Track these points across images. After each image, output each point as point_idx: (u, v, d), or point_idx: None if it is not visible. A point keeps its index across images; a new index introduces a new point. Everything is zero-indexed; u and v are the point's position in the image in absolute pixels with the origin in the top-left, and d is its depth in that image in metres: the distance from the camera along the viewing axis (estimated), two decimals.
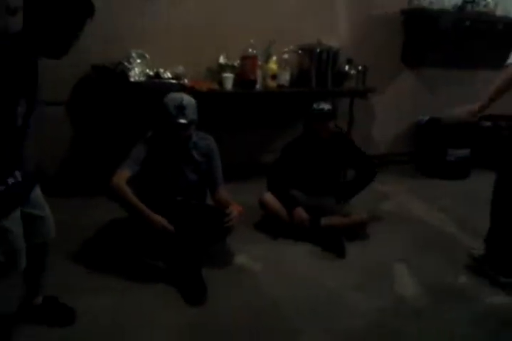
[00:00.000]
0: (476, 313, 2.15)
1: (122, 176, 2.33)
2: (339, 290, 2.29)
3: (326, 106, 2.84)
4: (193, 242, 2.34)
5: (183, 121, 2.32)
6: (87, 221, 2.83)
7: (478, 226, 2.61)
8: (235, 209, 2.40)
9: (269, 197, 2.86)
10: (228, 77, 3.38)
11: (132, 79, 3.07)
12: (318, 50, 3.62)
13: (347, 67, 3.76)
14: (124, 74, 3.06)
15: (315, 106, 2.85)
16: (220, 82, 3.41)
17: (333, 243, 2.72)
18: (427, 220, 3.21)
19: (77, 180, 3.39)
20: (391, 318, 2.09)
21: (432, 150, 4.28)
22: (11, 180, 1.56)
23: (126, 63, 3.09)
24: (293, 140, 3.06)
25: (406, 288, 2.35)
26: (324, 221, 2.80)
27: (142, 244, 2.45)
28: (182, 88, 3.11)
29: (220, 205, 2.50)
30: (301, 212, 2.79)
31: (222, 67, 3.47)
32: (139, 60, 3.15)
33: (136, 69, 3.12)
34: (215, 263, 2.45)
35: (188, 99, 2.38)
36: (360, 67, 3.78)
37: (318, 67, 3.64)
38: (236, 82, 3.42)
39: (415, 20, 4.08)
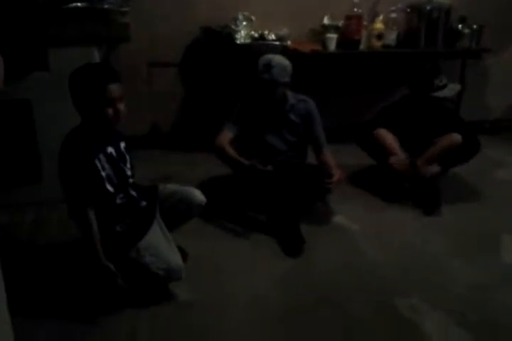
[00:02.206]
0: None
1: (225, 137, 2.47)
2: (441, 256, 2.23)
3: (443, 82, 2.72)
4: (293, 197, 2.40)
5: (266, 77, 2.35)
6: (192, 175, 3.01)
7: None
8: (336, 174, 2.41)
9: (383, 131, 2.78)
10: (331, 37, 3.33)
11: (238, 42, 3.15)
12: (428, 8, 3.41)
13: (460, 26, 3.52)
14: (231, 36, 3.15)
15: (437, 82, 2.71)
16: (324, 43, 3.37)
17: (428, 199, 2.67)
18: None
19: (187, 136, 3.60)
20: (493, 287, 2.01)
21: None
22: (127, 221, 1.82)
23: (232, 26, 3.17)
24: (393, 102, 2.98)
25: None
26: (420, 160, 2.68)
27: (246, 198, 2.58)
28: (285, 50, 3.14)
29: (324, 166, 2.52)
30: (398, 157, 2.70)
31: (326, 28, 3.42)
32: (245, 23, 3.21)
33: (242, 31, 3.19)
34: (314, 221, 2.51)
35: (278, 60, 2.40)
36: (474, 26, 3.51)
37: (427, 26, 3.44)
38: (339, 43, 3.36)
39: None
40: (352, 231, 2.45)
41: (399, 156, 2.71)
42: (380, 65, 3.66)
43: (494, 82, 4.00)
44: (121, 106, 1.75)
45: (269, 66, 2.35)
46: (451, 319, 1.81)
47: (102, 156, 1.78)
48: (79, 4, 2.50)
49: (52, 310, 1.82)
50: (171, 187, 2.03)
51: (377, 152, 2.81)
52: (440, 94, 2.74)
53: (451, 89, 2.80)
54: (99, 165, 1.76)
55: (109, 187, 1.79)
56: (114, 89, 1.72)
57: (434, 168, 2.69)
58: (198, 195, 1.99)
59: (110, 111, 1.72)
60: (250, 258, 2.19)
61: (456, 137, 2.68)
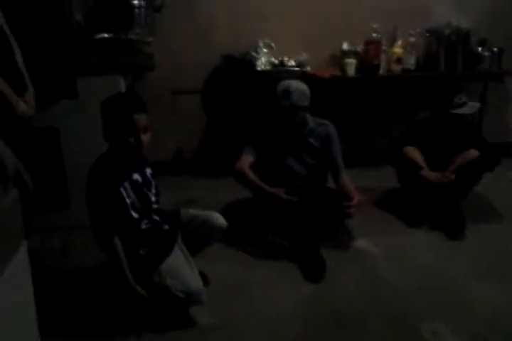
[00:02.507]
0: None
1: (245, 162, 2.50)
2: (464, 281, 2.19)
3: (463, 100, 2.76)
4: (314, 222, 2.40)
5: (285, 103, 2.39)
6: (214, 199, 3.05)
7: None
8: (355, 198, 2.41)
9: (411, 148, 2.80)
10: (351, 62, 3.39)
11: (259, 68, 3.23)
12: (446, 32, 3.45)
13: (480, 49, 3.53)
14: (251, 63, 3.24)
15: (456, 99, 2.75)
16: (343, 69, 3.42)
17: (453, 223, 2.65)
18: None
19: (209, 162, 3.66)
20: None
21: None
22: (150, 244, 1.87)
23: (253, 53, 3.26)
24: (416, 122, 3.01)
25: None
26: (448, 173, 2.68)
27: (267, 221, 2.59)
28: (304, 75, 3.19)
29: (342, 190, 2.53)
30: (428, 171, 2.71)
31: (345, 53, 3.48)
32: (265, 50, 3.30)
33: (263, 58, 3.28)
34: (336, 246, 2.50)
35: (296, 85, 2.45)
36: (495, 49, 3.52)
37: (446, 50, 3.47)
38: (359, 68, 3.40)
39: None
40: (373, 256, 2.43)
41: (426, 170, 2.72)
42: (399, 90, 3.69)
43: None
44: (146, 137, 1.81)
45: (287, 92, 2.40)
46: None
47: (127, 184, 1.83)
48: (106, 35, 2.61)
49: (78, 334, 1.84)
50: (193, 211, 2.07)
51: (408, 167, 2.80)
52: (460, 111, 2.75)
53: (472, 107, 2.81)
54: (124, 193, 1.81)
55: (134, 214, 1.84)
56: (141, 119, 1.78)
57: (450, 175, 2.68)
58: (219, 219, 2.02)
59: (133, 140, 1.78)
60: (271, 283, 2.19)
61: (473, 153, 2.71)
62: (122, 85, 2.60)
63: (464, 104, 2.76)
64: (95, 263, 2.22)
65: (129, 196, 1.82)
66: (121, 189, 1.80)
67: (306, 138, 2.58)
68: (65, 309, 1.98)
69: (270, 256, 2.42)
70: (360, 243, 2.55)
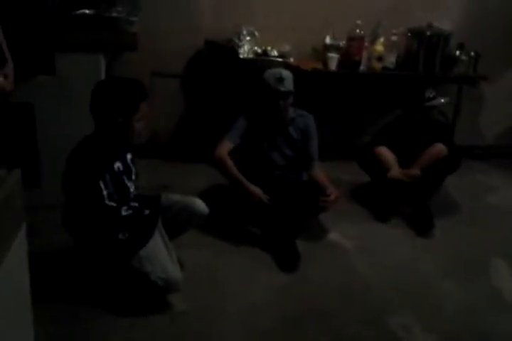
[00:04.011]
0: None
1: (225, 148, 2.49)
2: (432, 277, 2.26)
3: (433, 94, 2.90)
4: (288, 214, 2.42)
5: (282, 89, 2.42)
6: (190, 185, 3.02)
7: None
8: (333, 194, 2.44)
9: (383, 149, 2.88)
10: (333, 57, 3.39)
11: (241, 56, 3.20)
12: (428, 34, 3.49)
13: (458, 52, 3.60)
14: (234, 50, 3.19)
15: (427, 93, 2.89)
16: (325, 62, 3.43)
17: (422, 220, 2.74)
18: None
19: (186, 147, 3.62)
20: (482, 308, 2.04)
21: None
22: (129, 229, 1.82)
23: (236, 40, 3.21)
24: (388, 122, 3.10)
25: (502, 281, 2.27)
26: (415, 170, 2.77)
27: (241, 210, 2.60)
28: (287, 66, 3.18)
29: (317, 183, 2.55)
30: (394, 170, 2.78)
31: (328, 47, 3.47)
32: (248, 38, 3.26)
33: (246, 46, 3.23)
34: (309, 238, 2.52)
35: (286, 73, 2.50)
36: (472, 53, 3.60)
37: (426, 51, 3.52)
38: (340, 63, 3.41)
39: None
40: (346, 249, 2.48)
41: (394, 170, 2.79)
42: (378, 87, 3.73)
43: (488, 108, 4.09)
44: (141, 124, 1.83)
45: (281, 79, 2.43)
46: (442, 339, 1.84)
47: (107, 175, 1.81)
48: (87, 11, 2.53)
49: (48, 315, 1.77)
50: (174, 196, 2.05)
51: (374, 168, 2.89)
52: (431, 103, 2.92)
53: (442, 99, 2.98)
54: (102, 185, 1.78)
55: (111, 203, 1.81)
56: (144, 107, 1.81)
57: (414, 171, 2.77)
58: (201, 205, 2.01)
59: (137, 127, 1.80)
60: (245, 271, 2.20)
61: (439, 147, 2.82)
62: (102, 64, 2.53)
63: (434, 97, 2.92)
64: (64, 244, 2.16)
65: (107, 187, 1.79)
66: (101, 182, 1.77)
67: (286, 128, 2.59)
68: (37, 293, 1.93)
69: (244, 245, 2.42)
70: (333, 235, 2.59)
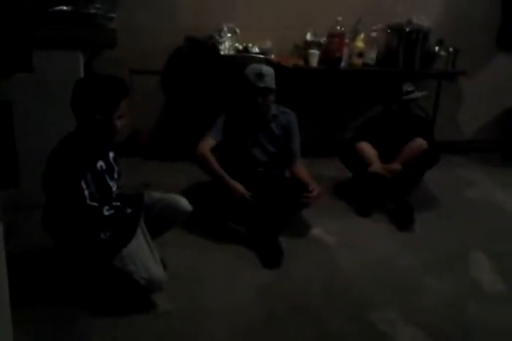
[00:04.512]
0: None
1: (207, 145, 2.48)
2: (413, 271, 2.29)
3: (411, 88, 2.95)
4: (271, 211, 2.42)
5: (261, 85, 2.40)
6: (172, 183, 2.99)
7: None
8: (315, 190, 2.45)
9: (364, 144, 2.91)
10: (314, 53, 3.40)
11: (222, 53, 3.18)
12: (407, 30, 3.52)
13: (437, 48, 3.64)
14: (215, 47, 3.18)
15: (405, 87, 2.93)
16: (306, 59, 3.43)
17: (402, 215, 2.76)
18: None
19: (166, 145, 3.59)
20: (463, 301, 2.08)
21: None
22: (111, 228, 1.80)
23: (217, 37, 3.20)
24: (370, 118, 3.14)
25: (482, 274, 2.31)
26: (395, 165, 2.80)
27: (224, 208, 2.59)
28: (268, 63, 3.17)
29: (299, 179, 2.56)
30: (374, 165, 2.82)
31: (309, 44, 3.48)
32: (229, 34, 3.25)
33: (227, 43, 3.22)
34: (291, 234, 2.53)
35: (266, 69, 2.48)
36: (450, 49, 3.64)
37: (406, 47, 3.55)
38: (321, 59, 3.43)
39: None
40: (328, 244, 2.49)
41: (375, 165, 2.81)
42: (359, 83, 3.75)
43: (467, 103, 4.15)
44: (123, 122, 1.81)
45: (261, 74, 2.42)
46: (425, 332, 1.86)
47: (89, 175, 1.78)
48: (65, 7, 2.49)
49: (29, 316, 1.76)
50: (156, 194, 2.03)
51: (356, 164, 2.91)
52: (409, 96, 2.96)
53: (419, 93, 3.02)
54: (84, 185, 1.76)
55: (93, 203, 1.79)
56: (125, 104, 1.79)
57: (395, 165, 2.81)
58: (184, 203, 2.00)
59: (118, 124, 1.78)
60: (229, 269, 2.20)
61: (419, 141, 2.86)
62: (81, 61, 2.49)
63: (412, 91, 2.96)
64: (43, 244, 2.12)
65: (88, 187, 1.77)
66: (82, 182, 1.75)
67: (268, 125, 2.59)
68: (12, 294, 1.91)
69: (228, 242, 2.42)
70: (316, 231, 2.61)
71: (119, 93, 1.79)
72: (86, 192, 1.75)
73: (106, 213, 1.83)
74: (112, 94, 1.77)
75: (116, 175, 1.93)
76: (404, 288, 2.16)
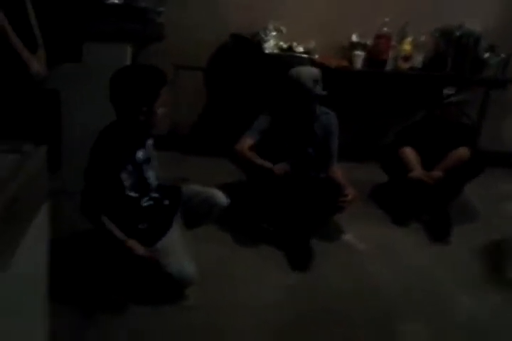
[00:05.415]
0: None
1: (246, 143, 2.47)
2: (445, 285, 2.23)
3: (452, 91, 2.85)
4: (305, 213, 2.41)
5: (318, 92, 2.39)
6: (208, 179, 3.00)
7: None
8: (351, 194, 2.42)
9: (408, 149, 2.85)
10: (358, 55, 3.36)
11: (267, 51, 3.18)
12: (457, 34, 3.43)
13: (488, 55, 3.53)
14: (260, 45, 3.18)
15: (446, 91, 2.85)
16: (350, 60, 3.39)
17: (439, 226, 2.70)
18: None
19: (206, 141, 3.62)
20: (496, 320, 2.01)
21: None
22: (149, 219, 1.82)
23: (262, 35, 3.20)
24: (413, 122, 3.06)
25: None
26: (437, 172, 2.73)
27: (258, 207, 2.59)
28: (312, 63, 3.16)
29: (339, 184, 2.52)
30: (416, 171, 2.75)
31: (354, 45, 3.43)
32: (274, 33, 3.24)
33: (271, 41, 3.22)
34: (323, 238, 2.51)
35: (319, 73, 2.46)
36: (502, 55, 3.52)
37: (455, 52, 3.46)
38: (366, 61, 3.38)
39: None
40: (360, 251, 2.46)
41: (417, 171, 2.75)
42: (403, 87, 3.67)
43: None
44: (162, 110, 1.82)
45: (317, 81, 2.41)
46: None
47: (129, 166, 1.81)
48: (116, 1, 2.54)
49: (62, 302, 1.80)
50: (195, 187, 2.06)
51: (397, 169, 2.84)
52: (449, 100, 2.86)
53: (462, 95, 2.91)
54: (124, 176, 1.79)
55: (133, 194, 1.83)
56: (164, 93, 1.79)
57: (437, 172, 2.73)
58: (221, 197, 2.02)
59: (159, 113, 1.79)
60: (258, 268, 2.20)
61: (463, 150, 2.78)
62: (129, 54, 2.54)
63: (453, 95, 2.86)
64: (83, 229, 2.18)
65: (129, 178, 1.80)
66: (123, 173, 1.78)
67: (311, 125, 2.57)
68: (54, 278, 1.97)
69: (259, 242, 2.42)
70: (348, 237, 2.58)
71: (158, 81, 1.79)
72: (126, 183, 1.78)
73: (145, 204, 1.87)
74: (152, 83, 1.77)
75: (154, 163, 1.95)
76: (434, 301, 2.10)
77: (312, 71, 2.46)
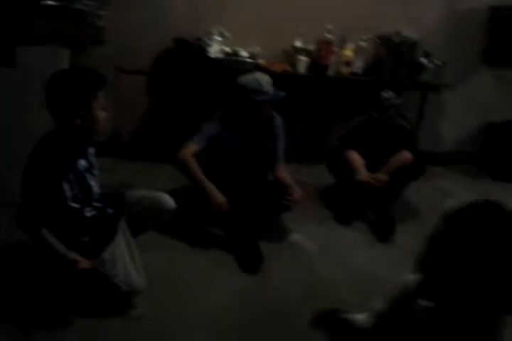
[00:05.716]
0: None
1: (190, 149, 2.41)
2: (389, 279, 2.29)
3: (393, 95, 2.92)
4: (252, 214, 2.41)
5: (281, 95, 2.40)
6: (152, 185, 2.94)
7: None
8: (297, 194, 2.44)
9: (353, 153, 2.90)
10: (302, 60, 3.41)
11: (211, 56, 3.17)
12: (396, 41, 3.56)
13: (424, 60, 3.68)
14: (203, 49, 3.16)
15: (383, 94, 2.92)
16: (294, 65, 3.44)
17: (383, 226, 2.77)
18: None
19: (148, 146, 3.55)
20: None
21: (502, 152, 4.11)
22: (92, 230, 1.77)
23: (206, 39, 3.18)
24: (355, 126, 3.12)
25: None
26: (383, 175, 2.79)
27: (204, 211, 2.54)
28: (257, 68, 3.18)
29: (281, 183, 2.55)
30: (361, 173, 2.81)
31: (297, 50, 3.49)
32: (218, 37, 3.23)
33: (215, 45, 3.20)
34: (271, 239, 2.52)
35: (267, 80, 2.46)
36: (438, 62, 3.68)
37: (394, 58, 3.59)
38: (309, 66, 3.44)
39: (504, 18, 3.90)
40: (308, 250, 2.49)
41: (363, 173, 2.82)
42: (345, 91, 3.77)
43: (450, 115, 4.20)
44: (103, 114, 1.75)
45: (272, 85, 2.41)
46: None
47: (71, 175, 1.73)
48: (52, 2, 2.46)
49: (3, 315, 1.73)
50: (140, 192, 2.00)
51: (343, 172, 2.91)
52: (387, 103, 2.95)
53: (398, 98, 3.00)
54: (66, 186, 1.71)
55: (75, 205, 1.75)
56: (102, 96, 1.72)
57: (383, 176, 2.80)
58: (169, 200, 1.97)
59: (88, 118, 1.70)
60: (207, 273, 2.18)
61: (405, 154, 2.87)
62: (66, 57, 2.45)
63: (390, 98, 2.95)
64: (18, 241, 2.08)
65: (71, 189, 1.73)
66: (64, 183, 1.70)
67: (258, 129, 2.57)
68: None
69: (207, 247, 2.41)
70: (296, 237, 2.60)
71: (94, 82, 1.72)
72: (68, 194, 1.71)
73: (88, 214, 1.80)
74: (87, 84, 1.70)
75: (96, 172, 1.89)
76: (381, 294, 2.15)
77: (267, 76, 2.47)
